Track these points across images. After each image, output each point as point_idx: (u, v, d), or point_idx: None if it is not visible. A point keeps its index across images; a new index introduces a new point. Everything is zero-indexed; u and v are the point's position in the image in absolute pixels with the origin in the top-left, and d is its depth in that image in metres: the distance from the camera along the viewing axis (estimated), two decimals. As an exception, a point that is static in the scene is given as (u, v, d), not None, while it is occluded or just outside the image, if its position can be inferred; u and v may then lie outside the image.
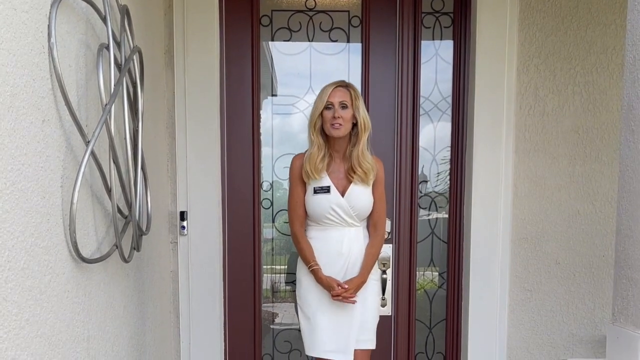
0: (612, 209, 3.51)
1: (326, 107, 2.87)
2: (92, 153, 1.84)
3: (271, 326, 3.94)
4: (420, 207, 3.81)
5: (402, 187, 3.70)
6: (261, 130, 3.74)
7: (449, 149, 3.77)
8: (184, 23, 3.45)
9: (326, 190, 2.91)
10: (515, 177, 3.62)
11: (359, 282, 2.90)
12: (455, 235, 3.77)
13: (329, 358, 2.94)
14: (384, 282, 3.54)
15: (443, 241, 3.84)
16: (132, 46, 2.29)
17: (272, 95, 3.80)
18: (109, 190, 2.05)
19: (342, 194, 2.92)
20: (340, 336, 2.92)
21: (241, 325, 3.78)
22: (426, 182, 3.82)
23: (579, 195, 3.63)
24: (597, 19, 3.54)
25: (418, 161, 3.72)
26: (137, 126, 2.33)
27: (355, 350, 2.94)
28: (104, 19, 1.99)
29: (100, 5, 1.98)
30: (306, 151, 2.99)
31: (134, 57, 2.28)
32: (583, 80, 3.57)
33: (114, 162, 2.03)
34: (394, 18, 3.63)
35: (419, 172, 3.76)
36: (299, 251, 3.00)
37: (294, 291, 3.16)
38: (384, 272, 3.60)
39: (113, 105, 1.90)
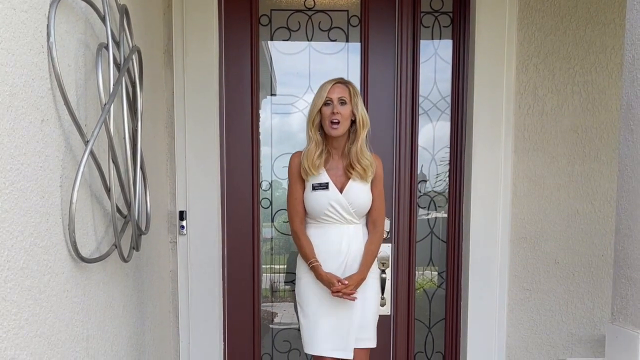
0: (611, 208, 3.51)
1: (325, 104, 2.88)
2: (91, 153, 1.84)
3: (270, 326, 3.94)
4: (419, 206, 3.81)
5: (401, 187, 3.70)
6: (260, 130, 3.74)
7: (448, 148, 3.77)
8: (183, 23, 3.45)
9: (324, 186, 2.91)
10: (514, 177, 3.63)
11: (358, 279, 2.90)
12: (455, 234, 3.77)
13: (328, 356, 2.94)
14: (383, 282, 3.54)
15: (442, 241, 3.84)
16: (131, 46, 2.29)
17: (271, 94, 3.80)
18: (108, 190, 2.05)
19: (341, 191, 2.92)
20: (340, 334, 2.93)
21: (240, 325, 3.78)
22: (425, 181, 3.82)
23: (578, 194, 3.63)
24: (596, 19, 3.54)
25: (417, 161, 3.72)
26: (136, 126, 2.33)
27: (355, 349, 2.94)
28: (103, 19, 1.99)
29: (99, 5, 1.98)
30: (304, 149, 2.99)
31: (133, 57, 2.27)
32: (582, 79, 3.57)
33: (113, 162, 2.03)
34: (393, 17, 3.63)
35: (418, 171, 3.76)
36: (298, 248, 3.00)
37: (294, 290, 3.15)
38: (383, 271, 3.59)
39: (112, 105, 1.90)
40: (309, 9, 3.66)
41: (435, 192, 3.84)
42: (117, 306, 2.38)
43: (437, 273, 3.90)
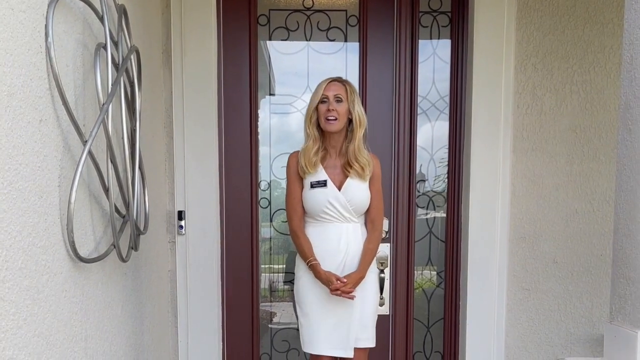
0: (610, 208, 3.51)
1: (321, 101, 2.89)
2: (90, 153, 1.84)
3: (269, 325, 3.93)
4: (418, 206, 3.81)
5: (399, 186, 3.70)
6: (259, 130, 3.74)
7: (447, 148, 3.77)
8: (181, 22, 3.45)
9: (323, 184, 2.92)
10: (512, 176, 3.63)
11: (357, 277, 2.90)
12: (453, 234, 3.77)
13: (328, 355, 2.95)
14: (381, 281, 3.54)
15: (441, 240, 3.84)
16: (129, 46, 2.29)
17: (270, 94, 3.80)
18: (106, 190, 2.05)
19: (339, 188, 2.92)
20: (340, 332, 2.92)
21: (239, 325, 3.78)
22: (424, 181, 3.82)
23: (577, 194, 3.63)
24: (595, 18, 3.54)
25: (416, 160, 3.72)
26: (135, 126, 2.33)
27: (354, 348, 2.94)
28: (101, 19, 1.99)
29: (97, 5, 1.98)
30: (302, 147, 3.00)
31: (132, 57, 2.27)
32: (580, 79, 3.57)
33: (111, 162, 2.03)
34: (392, 17, 3.63)
35: (417, 171, 3.76)
36: (297, 247, 3.00)
37: (292, 290, 3.15)
38: (381, 271, 3.60)
39: (110, 105, 1.90)
40: (308, 9, 3.66)
41: (434, 191, 3.84)
42: (115, 306, 2.38)
43: (435, 273, 3.90)
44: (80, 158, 1.75)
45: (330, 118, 2.87)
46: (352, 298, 2.87)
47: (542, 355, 3.73)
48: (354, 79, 3.65)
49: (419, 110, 3.72)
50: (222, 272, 3.70)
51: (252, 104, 3.66)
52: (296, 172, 2.98)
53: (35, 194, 1.58)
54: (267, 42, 3.72)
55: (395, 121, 3.67)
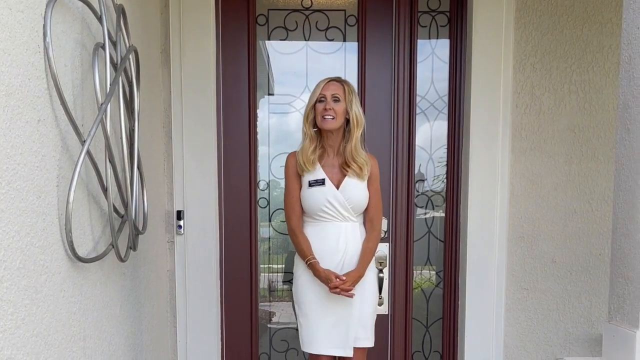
0: (609, 207, 3.51)
1: (319, 100, 2.91)
2: (88, 152, 1.84)
3: (268, 325, 3.94)
4: (417, 205, 3.81)
5: (398, 186, 3.70)
6: (258, 130, 3.74)
7: (446, 147, 3.77)
8: (180, 22, 3.44)
9: (321, 182, 2.92)
10: (511, 176, 3.63)
11: (356, 275, 2.89)
12: (452, 234, 3.77)
13: (327, 354, 2.95)
14: (380, 281, 3.54)
15: (440, 240, 3.84)
16: (128, 45, 2.29)
17: (269, 94, 3.80)
18: (105, 190, 2.05)
19: (337, 187, 2.93)
20: (339, 332, 2.92)
21: (238, 324, 3.78)
22: (423, 181, 3.82)
23: (575, 194, 3.63)
24: (593, 18, 3.54)
25: (414, 160, 3.72)
26: (133, 125, 2.33)
27: (353, 347, 2.94)
28: (99, 19, 1.99)
29: (95, 5, 1.98)
30: (299, 146, 3.01)
31: (130, 57, 2.28)
32: (579, 79, 3.57)
33: (109, 162, 2.03)
34: (390, 17, 3.63)
35: (416, 171, 3.77)
36: (295, 246, 3.00)
37: (292, 290, 3.15)
38: (380, 270, 3.60)
39: (109, 105, 1.90)
40: (306, 9, 3.66)
41: (432, 191, 3.84)
42: (114, 306, 2.38)
43: (434, 272, 3.90)
44: (79, 158, 1.75)
45: (327, 116, 2.87)
46: (351, 296, 2.87)
47: (540, 355, 3.73)
48: (352, 78, 3.64)
49: (417, 110, 3.72)
50: (221, 272, 3.70)
51: (250, 103, 3.66)
52: (295, 171, 2.98)
53: (34, 193, 1.58)
54: (266, 42, 3.72)
55: (394, 121, 3.67)
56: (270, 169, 3.77)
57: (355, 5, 3.66)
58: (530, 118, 3.59)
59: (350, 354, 2.93)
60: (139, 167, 2.38)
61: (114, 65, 2.09)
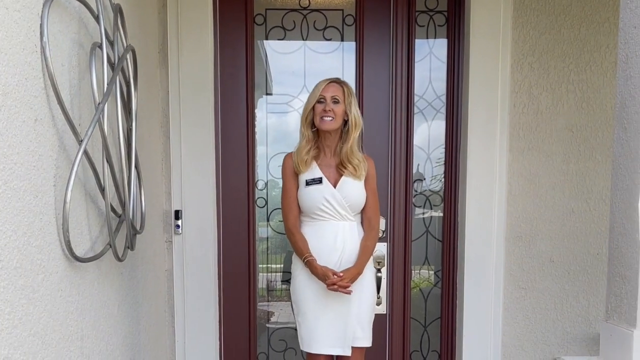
0: (606, 207, 3.51)
1: (318, 101, 2.91)
2: (85, 152, 1.84)
3: (267, 325, 3.94)
4: (415, 205, 3.81)
5: (396, 186, 3.70)
6: (256, 129, 3.74)
7: (444, 147, 3.77)
8: (177, 22, 3.44)
9: (318, 181, 2.93)
10: (509, 175, 3.63)
11: (354, 272, 2.89)
12: (450, 233, 3.77)
13: (327, 353, 2.95)
14: (378, 281, 3.54)
15: (438, 239, 3.85)
16: (125, 45, 2.29)
17: (267, 94, 3.80)
18: (102, 190, 2.05)
19: (334, 186, 2.93)
20: (338, 330, 2.92)
21: (236, 324, 3.78)
22: (421, 180, 3.82)
23: (573, 193, 3.64)
24: (591, 17, 3.54)
25: (412, 160, 3.72)
26: (131, 125, 2.33)
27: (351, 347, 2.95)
28: (96, 18, 1.99)
29: (92, 4, 1.98)
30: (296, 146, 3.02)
31: (128, 56, 2.28)
32: (577, 78, 3.58)
33: (107, 161, 2.03)
34: (388, 17, 3.63)
35: (414, 170, 3.77)
36: (293, 245, 3.00)
37: (290, 289, 3.15)
38: (378, 270, 3.59)
39: (106, 105, 1.90)
40: (304, 8, 3.66)
41: (430, 191, 3.84)
42: (111, 305, 2.38)
43: (432, 272, 3.90)
44: (76, 157, 1.75)
45: (326, 117, 2.88)
46: (348, 293, 2.86)
47: (538, 354, 3.73)
48: (350, 78, 3.65)
49: (415, 110, 3.71)
50: (219, 272, 3.70)
51: (248, 103, 3.66)
52: (291, 171, 2.99)
53: (31, 193, 1.58)
54: (264, 41, 3.72)
55: (392, 120, 3.67)
56: (268, 168, 3.77)
57: (353, 5, 3.66)
58: (528, 117, 3.60)
59: (348, 353, 2.92)
60: (136, 167, 2.38)
61: (111, 64, 2.09)
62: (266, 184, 3.79)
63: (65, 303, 1.84)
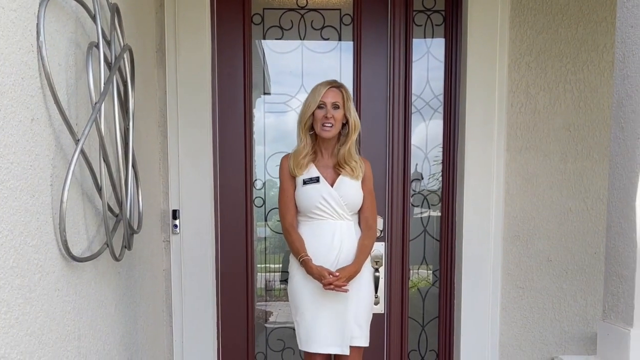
0: (604, 206, 3.51)
1: (318, 107, 2.91)
2: (82, 152, 1.84)
3: (265, 325, 3.93)
4: (412, 205, 3.81)
5: (394, 185, 3.70)
6: (254, 129, 3.74)
7: (441, 146, 3.77)
8: (175, 21, 3.44)
9: (315, 180, 2.93)
10: (507, 175, 3.63)
11: (352, 271, 2.89)
12: (448, 233, 3.77)
13: (325, 352, 2.95)
14: (376, 280, 3.55)
15: (435, 239, 3.85)
16: (122, 45, 2.29)
17: (265, 93, 3.80)
18: (99, 189, 2.05)
19: (331, 185, 2.94)
20: (336, 330, 2.92)
21: (234, 324, 3.77)
22: (419, 180, 3.83)
23: (571, 192, 3.64)
24: (588, 17, 3.55)
25: (410, 159, 3.72)
26: (128, 125, 2.33)
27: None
28: (93, 18, 1.99)
29: (89, 4, 1.98)
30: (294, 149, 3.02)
31: (125, 56, 2.27)
32: (574, 77, 3.58)
33: (104, 161, 2.03)
34: (386, 16, 3.63)
35: (412, 170, 3.77)
36: (289, 244, 3.00)
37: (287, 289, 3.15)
38: (376, 270, 3.60)
39: (103, 104, 1.90)
40: (302, 8, 3.66)
41: (428, 190, 3.85)
42: (109, 305, 2.37)
43: (430, 271, 3.90)
44: (73, 157, 1.75)
45: (327, 126, 2.89)
46: (345, 291, 2.86)
47: (536, 354, 3.73)
48: (348, 77, 3.65)
49: (413, 109, 3.72)
50: (217, 271, 3.70)
51: (246, 102, 3.66)
52: (289, 172, 2.99)
53: (27, 192, 1.58)
54: (262, 41, 3.72)
55: (390, 120, 3.67)
56: (266, 168, 3.77)
57: (350, 4, 3.66)
58: (526, 117, 3.60)
59: (346, 352, 2.93)
60: (133, 166, 2.38)
61: (108, 64, 2.09)
62: (264, 183, 3.79)
63: (62, 302, 1.84)
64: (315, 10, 3.67)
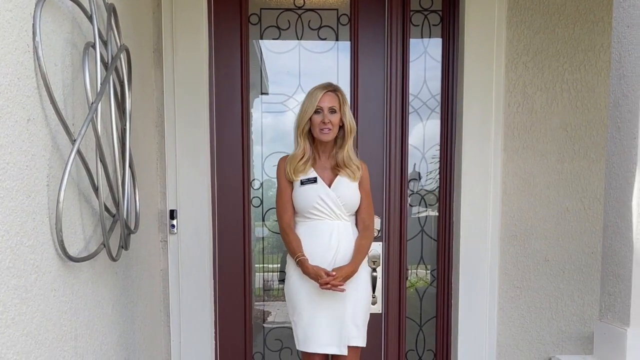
0: (601, 206, 3.51)
1: (315, 112, 2.91)
2: (79, 152, 1.83)
3: (263, 324, 3.93)
4: (410, 205, 3.81)
5: (391, 185, 3.71)
6: (252, 129, 3.74)
7: (438, 146, 3.77)
8: (172, 22, 3.44)
9: (313, 180, 2.94)
10: (504, 175, 3.63)
11: (349, 270, 2.89)
12: (445, 232, 3.78)
13: (323, 352, 2.95)
14: (374, 280, 3.55)
15: (433, 239, 3.85)
16: (119, 45, 2.28)
17: (262, 93, 3.80)
18: (96, 189, 2.04)
19: (329, 185, 2.94)
20: (334, 330, 2.92)
21: (232, 324, 3.77)
22: (416, 180, 3.83)
23: (568, 192, 3.64)
24: (585, 17, 3.55)
25: (407, 159, 3.72)
26: (125, 125, 2.32)
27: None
28: (90, 18, 1.99)
29: (86, 4, 1.97)
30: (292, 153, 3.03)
31: (121, 56, 2.27)
32: (571, 77, 3.58)
33: (100, 161, 2.02)
34: (383, 16, 3.63)
35: (410, 170, 3.77)
36: (286, 244, 3.00)
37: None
38: (374, 269, 3.60)
39: (100, 104, 1.89)
40: (299, 8, 3.66)
41: (425, 190, 3.85)
42: (106, 305, 2.37)
43: (428, 271, 3.91)
44: (69, 157, 1.75)
45: (325, 130, 2.89)
46: (342, 291, 2.86)
47: (533, 353, 3.74)
48: (345, 77, 3.65)
49: (410, 109, 3.72)
50: (215, 271, 3.70)
51: (243, 102, 3.66)
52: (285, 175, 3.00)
53: (23, 193, 1.57)
54: (259, 41, 3.72)
55: (387, 120, 3.67)
56: (264, 168, 3.77)
57: (347, 4, 3.66)
58: (523, 117, 3.60)
59: (344, 352, 2.93)
60: (130, 166, 2.38)
61: (104, 64, 2.09)
62: (262, 183, 3.79)
63: (58, 303, 1.84)
64: (312, 10, 3.67)
